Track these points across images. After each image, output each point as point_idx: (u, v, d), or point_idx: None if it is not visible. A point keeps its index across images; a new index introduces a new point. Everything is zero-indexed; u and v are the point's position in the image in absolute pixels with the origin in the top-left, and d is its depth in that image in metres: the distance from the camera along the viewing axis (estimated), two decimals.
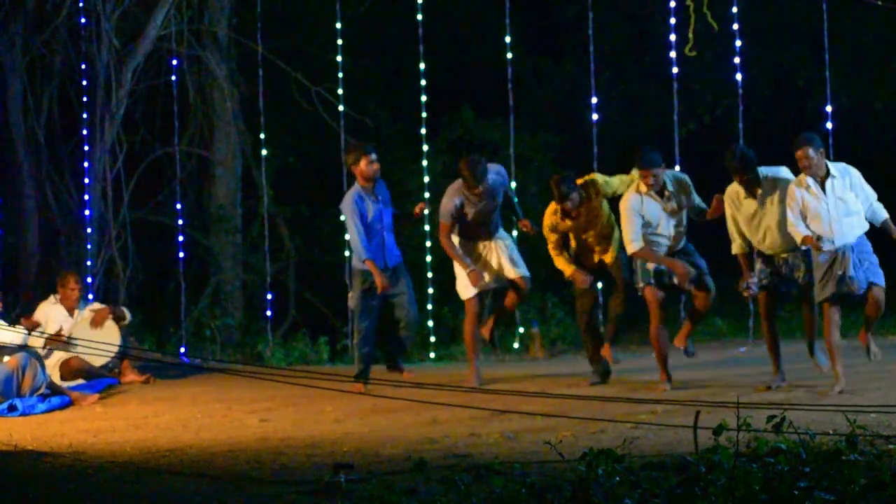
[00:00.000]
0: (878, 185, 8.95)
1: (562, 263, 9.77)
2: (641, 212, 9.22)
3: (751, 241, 9.01)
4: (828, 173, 8.56)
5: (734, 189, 8.98)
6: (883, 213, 8.68)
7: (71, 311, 10.94)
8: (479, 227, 9.99)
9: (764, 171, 8.90)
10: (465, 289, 10.07)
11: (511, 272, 10.00)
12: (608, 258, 9.75)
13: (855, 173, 8.68)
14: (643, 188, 9.23)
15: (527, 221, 9.96)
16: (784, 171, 8.94)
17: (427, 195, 13.00)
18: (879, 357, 8.95)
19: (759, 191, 8.88)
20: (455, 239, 10.01)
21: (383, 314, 10.04)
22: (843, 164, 8.72)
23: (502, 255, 10.03)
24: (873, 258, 8.62)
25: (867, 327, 8.84)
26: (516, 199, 10.37)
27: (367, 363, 9.82)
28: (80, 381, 10.63)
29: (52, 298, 10.99)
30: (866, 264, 8.56)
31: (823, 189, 8.53)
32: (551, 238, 9.75)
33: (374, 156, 9.77)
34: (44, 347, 10.48)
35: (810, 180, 8.56)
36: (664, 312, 9.41)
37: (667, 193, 9.29)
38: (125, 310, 11.30)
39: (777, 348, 9.08)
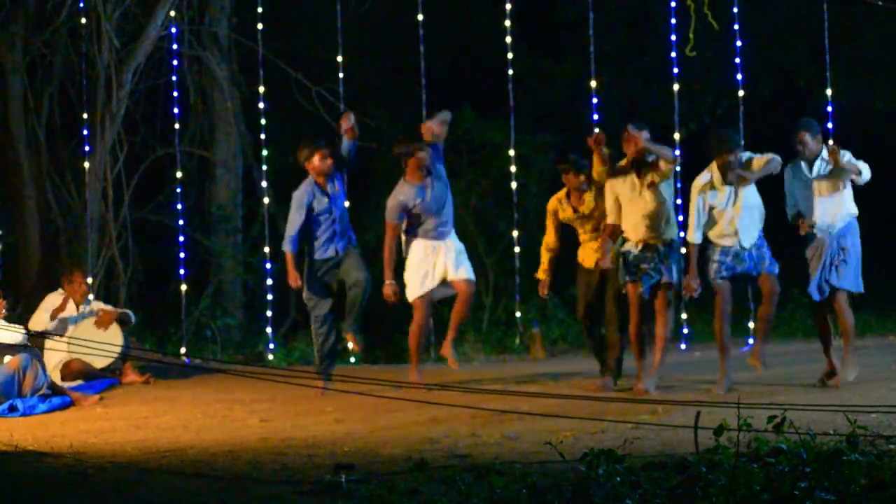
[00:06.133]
0: (878, 185, 8.95)
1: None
2: None
3: None
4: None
5: None
6: None
7: (77, 306, 10.98)
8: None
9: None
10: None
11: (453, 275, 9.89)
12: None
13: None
14: None
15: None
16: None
17: None
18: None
19: None
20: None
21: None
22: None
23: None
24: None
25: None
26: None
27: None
28: (80, 382, 10.64)
29: (60, 291, 11.04)
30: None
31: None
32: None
33: (327, 151, 9.93)
34: (51, 320, 10.64)
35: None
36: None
37: None
38: (130, 314, 11.30)
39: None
